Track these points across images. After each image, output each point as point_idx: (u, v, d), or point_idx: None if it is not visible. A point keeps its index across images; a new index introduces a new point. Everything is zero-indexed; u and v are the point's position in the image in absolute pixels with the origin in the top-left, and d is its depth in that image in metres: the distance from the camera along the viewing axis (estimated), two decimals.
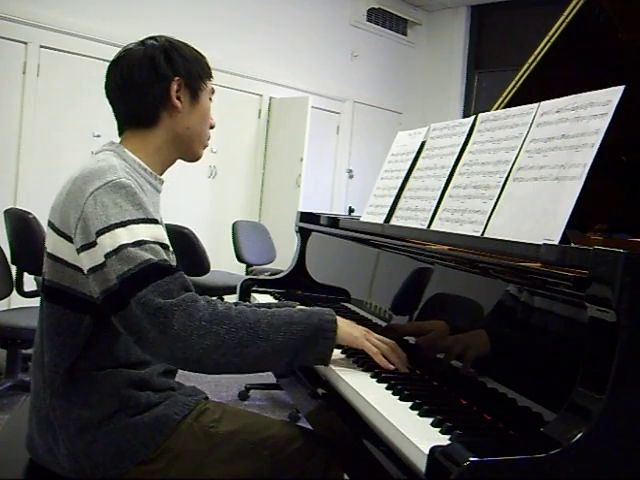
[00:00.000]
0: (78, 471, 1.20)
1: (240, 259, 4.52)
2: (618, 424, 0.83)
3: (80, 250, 1.16)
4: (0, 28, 4.24)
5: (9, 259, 3.01)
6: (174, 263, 1.20)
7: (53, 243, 1.24)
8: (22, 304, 3.22)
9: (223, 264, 4.56)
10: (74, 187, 1.20)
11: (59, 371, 1.21)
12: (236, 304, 1.50)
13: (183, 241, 3.58)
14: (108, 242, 1.12)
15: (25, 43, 4.38)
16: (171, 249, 1.24)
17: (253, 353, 1.13)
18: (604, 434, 0.81)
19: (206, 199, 5.52)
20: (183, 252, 3.61)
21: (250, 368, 1.18)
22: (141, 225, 1.15)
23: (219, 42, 5.17)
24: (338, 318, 1.23)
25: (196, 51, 1.38)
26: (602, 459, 0.83)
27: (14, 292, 3.03)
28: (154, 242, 1.15)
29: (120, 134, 1.35)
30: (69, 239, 1.19)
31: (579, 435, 0.80)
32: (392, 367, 1.23)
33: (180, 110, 1.32)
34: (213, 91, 1.40)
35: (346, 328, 1.25)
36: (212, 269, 3.78)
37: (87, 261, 1.16)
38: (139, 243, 1.13)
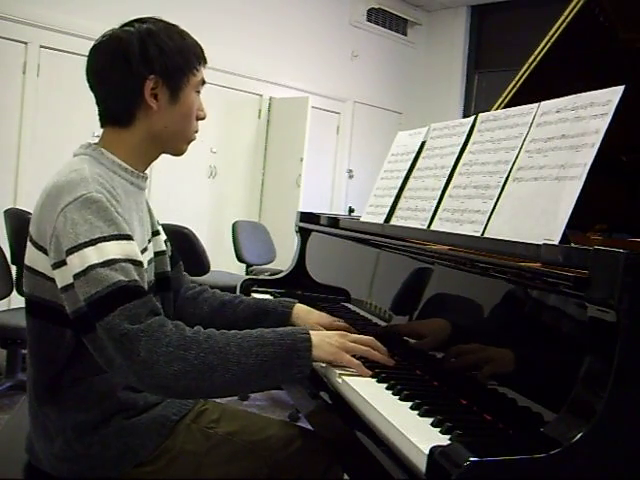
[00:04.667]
0: (77, 474, 1.19)
1: (240, 259, 4.52)
2: (618, 424, 0.83)
3: (53, 267, 1.13)
4: (0, 28, 4.24)
5: (9, 259, 3.01)
6: (145, 283, 1.15)
7: (31, 256, 1.20)
8: (22, 304, 3.18)
9: (223, 264, 4.56)
10: (48, 200, 1.16)
11: (44, 383, 1.20)
12: (237, 302, 1.50)
13: (183, 241, 3.57)
14: (77, 262, 1.08)
15: (25, 43, 4.38)
16: (145, 266, 1.19)
17: (223, 377, 1.08)
18: (604, 434, 0.81)
19: (206, 199, 5.52)
20: (183, 252, 3.60)
21: (223, 392, 1.13)
22: (112, 242, 1.10)
23: (219, 42, 5.17)
24: (312, 334, 1.18)
25: (181, 37, 1.28)
26: (602, 459, 0.83)
27: (14, 292, 3.03)
28: (125, 260, 1.10)
29: (101, 126, 1.30)
30: (46, 252, 1.16)
31: (579, 435, 0.80)
32: (370, 373, 1.19)
33: (156, 109, 1.24)
34: (203, 82, 1.31)
35: (321, 345, 1.18)
36: (212, 269, 3.78)
37: (59, 279, 1.13)
38: (108, 263, 1.08)
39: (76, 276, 1.08)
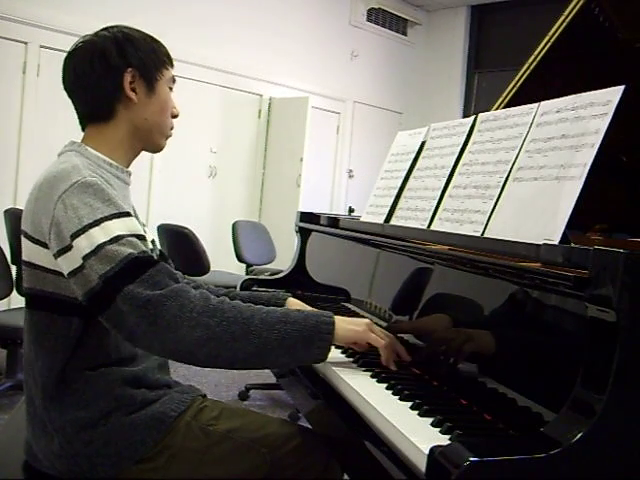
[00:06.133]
0: (77, 472, 1.19)
1: (240, 259, 4.52)
2: (618, 424, 0.83)
3: (57, 255, 1.15)
4: (0, 28, 4.24)
5: (9, 259, 3.01)
6: (156, 253, 1.18)
7: (29, 251, 1.23)
8: (22, 304, 3.18)
9: (223, 264, 4.56)
10: (41, 193, 1.19)
11: (52, 375, 1.21)
12: (231, 296, 1.51)
13: (183, 241, 3.58)
14: (85, 244, 1.11)
15: (25, 43, 4.38)
16: (150, 243, 1.23)
17: (245, 349, 1.11)
18: (604, 434, 0.81)
19: (206, 199, 5.52)
20: (183, 252, 3.61)
21: (242, 364, 1.15)
22: (115, 220, 1.14)
23: (219, 42, 5.17)
24: (337, 318, 1.20)
25: (152, 39, 1.35)
26: (602, 459, 0.83)
27: (14, 292, 3.03)
28: (130, 235, 1.14)
29: (83, 129, 1.35)
30: (44, 245, 1.18)
31: (579, 435, 0.80)
32: (394, 368, 1.22)
33: (135, 102, 1.30)
34: (174, 80, 1.38)
35: (346, 326, 1.21)
36: (212, 269, 3.78)
37: (65, 265, 1.15)
38: (116, 239, 1.12)
39: (86, 257, 1.11)
